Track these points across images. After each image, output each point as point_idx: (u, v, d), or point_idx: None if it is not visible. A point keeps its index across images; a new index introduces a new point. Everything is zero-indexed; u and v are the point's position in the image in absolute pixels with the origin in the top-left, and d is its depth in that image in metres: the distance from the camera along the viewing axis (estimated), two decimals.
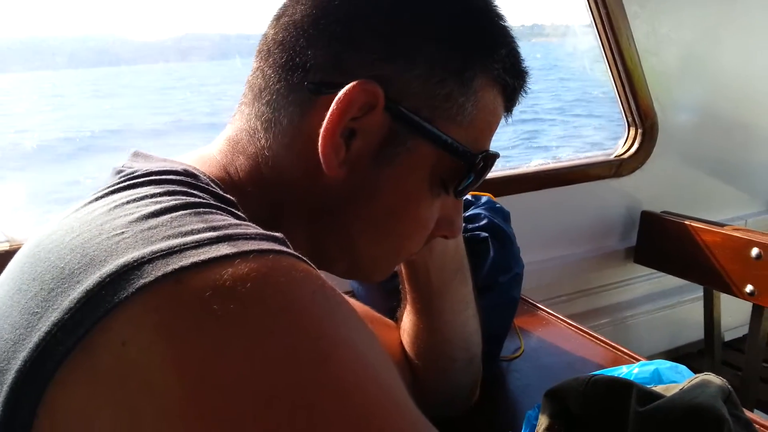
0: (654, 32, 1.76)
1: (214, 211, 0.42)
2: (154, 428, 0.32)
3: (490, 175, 1.87)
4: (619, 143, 1.85)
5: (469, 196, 1.01)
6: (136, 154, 0.53)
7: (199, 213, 0.40)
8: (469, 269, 0.79)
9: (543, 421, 0.61)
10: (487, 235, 0.92)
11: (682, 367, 0.72)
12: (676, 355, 2.03)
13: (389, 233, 0.57)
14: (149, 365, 0.32)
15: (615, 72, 1.75)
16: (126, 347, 0.33)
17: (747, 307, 1.60)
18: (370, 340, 0.40)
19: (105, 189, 0.46)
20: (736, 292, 1.54)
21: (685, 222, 1.69)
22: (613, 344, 1.09)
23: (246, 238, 0.38)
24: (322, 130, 0.50)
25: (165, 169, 0.48)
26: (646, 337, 1.94)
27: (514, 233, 0.99)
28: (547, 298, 1.66)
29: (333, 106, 0.49)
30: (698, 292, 1.87)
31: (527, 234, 1.69)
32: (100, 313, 0.33)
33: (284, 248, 0.39)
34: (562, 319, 1.22)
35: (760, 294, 1.49)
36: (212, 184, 0.49)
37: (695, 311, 1.90)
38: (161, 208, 0.40)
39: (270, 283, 0.35)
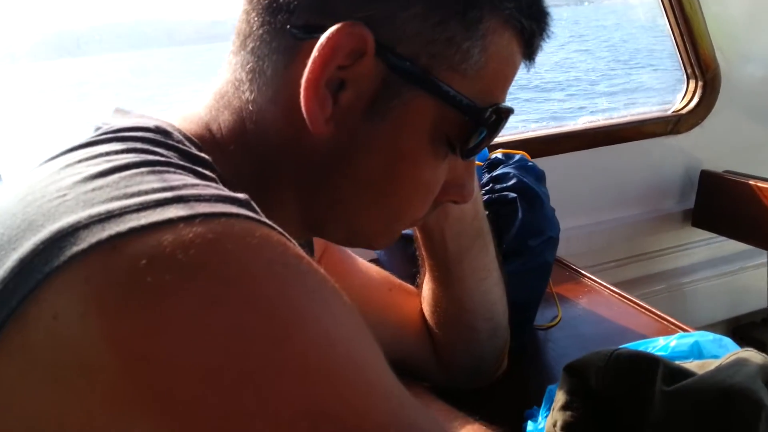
0: None
1: (172, 170, 0.37)
2: (89, 408, 0.29)
3: (533, 133, 1.78)
4: (677, 97, 1.72)
5: (499, 155, 0.94)
6: (117, 111, 0.50)
7: (152, 172, 0.36)
8: (490, 235, 0.74)
9: (560, 398, 0.55)
10: (515, 195, 0.85)
11: (727, 340, 0.65)
12: (736, 324, 1.91)
13: (385, 195, 0.51)
14: (82, 341, 0.29)
15: (672, 18, 1.61)
16: (57, 321, 0.30)
17: None
18: (343, 315, 0.36)
19: (66, 147, 0.43)
20: None
21: (749, 182, 1.57)
22: (659, 314, 1.01)
23: (198, 200, 0.34)
24: (303, 80, 0.44)
25: (135, 125, 0.44)
26: (705, 305, 1.83)
27: (547, 194, 0.91)
28: (595, 264, 1.58)
29: (315, 52, 0.43)
30: (762, 257, 1.74)
31: (573, 196, 1.62)
32: (32, 284, 0.30)
33: (243, 211, 0.35)
34: (606, 287, 1.14)
35: None
36: (186, 142, 0.44)
37: (758, 278, 1.78)
38: (110, 167, 0.36)
39: (216, 250, 0.31)
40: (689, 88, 1.71)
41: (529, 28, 0.49)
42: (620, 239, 1.70)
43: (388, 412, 0.33)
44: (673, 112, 1.70)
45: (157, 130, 0.44)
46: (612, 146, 1.63)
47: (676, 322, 0.97)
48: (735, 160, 1.73)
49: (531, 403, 0.75)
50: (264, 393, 0.30)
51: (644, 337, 0.92)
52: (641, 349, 0.68)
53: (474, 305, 0.74)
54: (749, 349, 0.52)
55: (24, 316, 0.30)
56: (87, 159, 0.37)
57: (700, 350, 0.63)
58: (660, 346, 0.67)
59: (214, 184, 0.38)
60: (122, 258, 0.30)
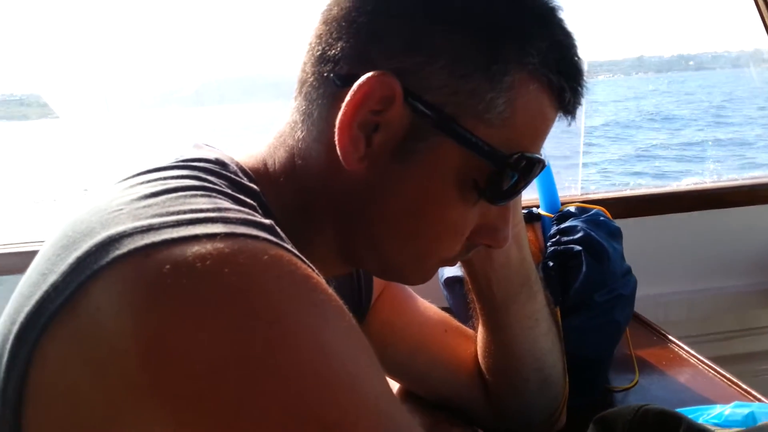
0: None
1: (215, 195, 0.43)
2: (118, 393, 0.34)
3: (636, 192, 1.73)
4: None
5: (572, 208, 0.93)
6: (196, 146, 0.57)
7: (196, 195, 0.42)
8: (540, 284, 0.74)
9: None
10: (580, 248, 0.84)
11: None
12: None
13: (412, 235, 0.54)
14: (114, 332, 0.35)
15: None
16: (99, 312, 0.35)
17: None
18: (344, 331, 0.39)
19: (140, 170, 0.50)
20: None
21: None
22: (746, 388, 0.94)
23: (225, 222, 0.39)
24: (337, 121, 0.49)
25: (200, 156, 0.50)
26: None
27: (620, 251, 0.90)
28: (698, 334, 1.49)
29: (348, 97, 0.48)
30: None
31: (675, 259, 1.54)
32: (83, 278, 0.36)
33: (263, 234, 0.39)
34: (694, 355, 1.07)
35: None
36: (240, 173, 0.51)
37: None
38: (163, 189, 0.42)
39: (229, 262, 0.36)
40: None
41: (558, 82, 0.51)
42: (726, 310, 1.58)
43: (377, 426, 0.35)
44: None
45: (217, 162, 0.50)
46: (720, 210, 1.54)
47: (762, 398, 0.90)
48: None
49: None
50: (258, 391, 0.33)
51: None
52: (696, 414, 0.65)
53: (522, 353, 0.74)
54: None
55: (75, 304, 0.36)
56: (148, 181, 0.44)
57: (754, 421, 0.59)
58: (715, 414, 0.63)
59: (246, 210, 0.43)
60: (152, 263, 0.36)
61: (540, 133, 0.53)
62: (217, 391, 0.33)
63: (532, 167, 0.52)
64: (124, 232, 0.37)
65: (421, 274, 0.59)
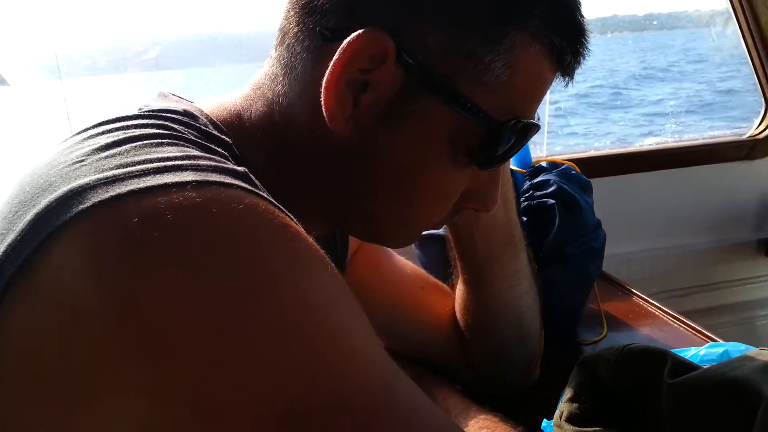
0: None
1: (182, 143, 0.41)
2: (88, 358, 0.32)
3: (597, 153, 1.75)
4: (755, 122, 1.65)
5: (543, 163, 0.94)
6: (161, 95, 0.54)
7: (161, 144, 0.39)
8: (523, 243, 0.73)
9: (569, 390, 0.55)
10: (554, 202, 0.85)
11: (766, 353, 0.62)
12: None
13: (400, 200, 0.52)
14: (79, 292, 0.32)
15: (750, 42, 1.56)
16: (61, 271, 0.33)
17: None
18: (325, 281, 0.37)
19: (100, 120, 0.47)
20: None
21: None
22: (713, 336, 0.97)
23: (196, 169, 0.37)
24: (324, 80, 0.46)
25: (166, 108, 0.47)
26: None
27: (591, 204, 0.90)
28: (661, 291, 1.53)
29: (336, 54, 0.45)
30: None
31: (637, 218, 1.57)
32: (43, 236, 0.34)
33: (236, 182, 0.37)
34: (659, 307, 1.10)
35: None
36: (210, 126, 0.48)
37: None
38: (126, 137, 0.39)
39: (201, 213, 0.34)
40: (767, 113, 1.63)
41: (559, 44, 0.48)
42: (687, 267, 1.63)
43: (365, 377, 0.34)
44: (749, 136, 1.63)
45: (185, 113, 0.47)
46: (681, 169, 1.58)
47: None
48: None
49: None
50: (239, 347, 0.31)
51: None
52: None
53: (502, 311, 0.74)
54: (765, 348, 0.50)
55: (35, 264, 0.33)
56: (108, 131, 0.41)
57: (729, 358, 0.61)
58: (690, 354, 0.65)
59: (217, 158, 0.40)
60: (119, 216, 0.33)
61: (537, 96, 0.51)
62: (197, 347, 0.31)
63: (527, 132, 0.50)
64: (87, 184, 0.35)
65: (405, 238, 0.58)
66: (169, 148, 0.39)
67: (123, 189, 0.34)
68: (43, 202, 0.35)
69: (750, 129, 1.65)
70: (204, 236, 0.33)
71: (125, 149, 0.38)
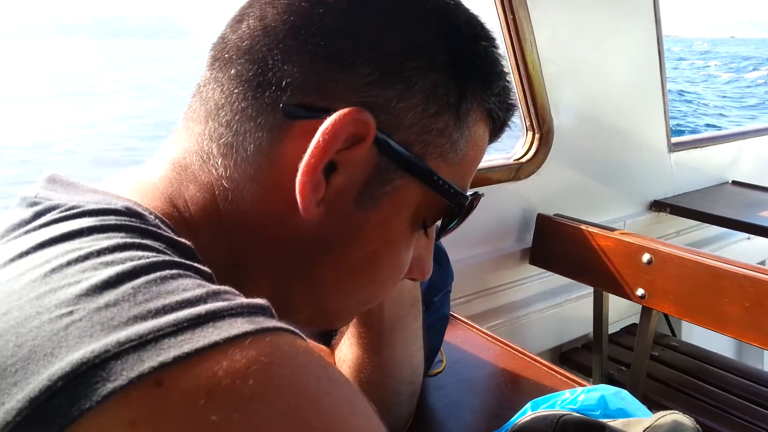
0: (555, 37, 1.81)
1: (183, 272, 0.34)
2: None
3: None
4: (517, 146, 1.89)
5: None
6: (51, 180, 0.43)
7: (164, 278, 0.32)
8: (421, 302, 0.75)
9: None
10: None
11: (625, 393, 0.73)
12: (560, 351, 2.12)
13: (367, 281, 0.50)
14: None
15: (517, 77, 1.78)
16: None
17: (626, 303, 1.70)
18: (374, 419, 0.35)
19: (24, 232, 0.37)
20: (628, 295, 1.63)
21: (579, 225, 1.76)
22: (524, 351, 1.09)
23: (233, 314, 0.31)
24: (302, 164, 0.42)
25: (100, 207, 0.38)
26: (538, 335, 2.01)
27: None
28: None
29: (318, 136, 0.41)
30: (585, 289, 1.96)
31: None
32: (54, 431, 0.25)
33: (277, 323, 0.32)
34: (469, 324, 1.22)
35: (650, 297, 1.58)
36: (162, 226, 0.40)
37: (581, 308, 2.00)
38: (117, 273, 0.31)
39: (272, 376, 0.29)
40: (527, 139, 1.88)
41: (501, 119, 0.51)
42: (468, 276, 1.81)
43: None
44: (515, 160, 1.86)
45: (128, 212, 0.39)
46: None
47: (542, 360, 1.05)
48: (564, 204, 1.94)
49: None
50: None
51: (517, 377, 1.00)
52: (551, 403, 0.74)
53: (400, 371, 0.75)
54: (675, 412, 0.59)
55: None
56: (76, 261, 0.32)
57: (606, 403, 0.70)
58: (569, 399, 0.73)
59: (228, 287, 0.35)
60: (175, 396, 0.26)
61: (476, 167, 0.53)
62: None
63: (475, 202, 0.52)
64: (107, 352, 0.27)
65: (351, 318, 0.55)
66: (178, 283, 0.32)
67: (165, 356, 0.27)
68: (37, 381, 0.26)
69: (516, 153, 1.88)
70: (285, 406, 0.29)
71: (126, 292, 0.30)
